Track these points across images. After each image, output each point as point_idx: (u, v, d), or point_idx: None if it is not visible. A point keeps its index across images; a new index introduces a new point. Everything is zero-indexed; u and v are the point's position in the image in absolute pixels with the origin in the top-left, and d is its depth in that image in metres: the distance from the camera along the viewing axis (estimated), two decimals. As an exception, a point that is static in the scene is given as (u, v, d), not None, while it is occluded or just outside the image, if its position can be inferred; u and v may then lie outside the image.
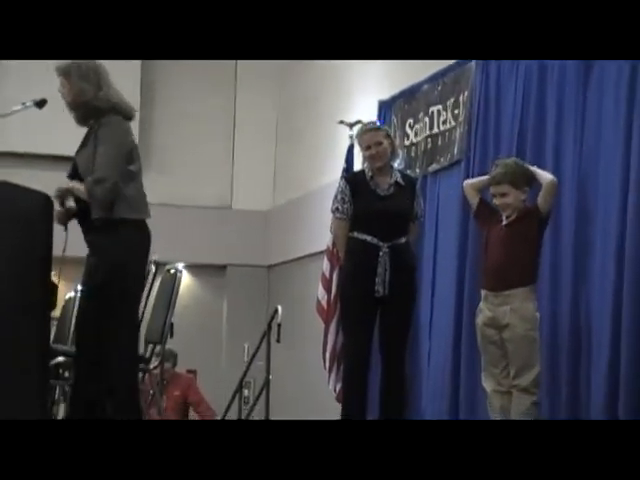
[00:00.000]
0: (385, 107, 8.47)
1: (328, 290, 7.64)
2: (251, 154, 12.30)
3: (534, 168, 5.55)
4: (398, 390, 5.96)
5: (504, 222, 5.40)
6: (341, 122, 8.82)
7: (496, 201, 5.42)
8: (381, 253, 5.87)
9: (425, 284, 7.16)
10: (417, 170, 7.63)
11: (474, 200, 5.64)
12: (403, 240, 5.98)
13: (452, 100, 7.50)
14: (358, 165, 6.97)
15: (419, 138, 7.92)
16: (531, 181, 5.43)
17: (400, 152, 7.23)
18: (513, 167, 5.44)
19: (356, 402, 5.88)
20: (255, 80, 12.01)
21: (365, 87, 9.59)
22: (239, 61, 11.87)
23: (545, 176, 5.45)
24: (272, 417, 8.29)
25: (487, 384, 5.39)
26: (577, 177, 6.09)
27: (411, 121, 8.09)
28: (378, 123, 6.89)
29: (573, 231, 6.04)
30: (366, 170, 6.16)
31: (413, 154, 7.95)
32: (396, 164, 6.48)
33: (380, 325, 5.96)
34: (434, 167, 7.61)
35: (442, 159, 7.52)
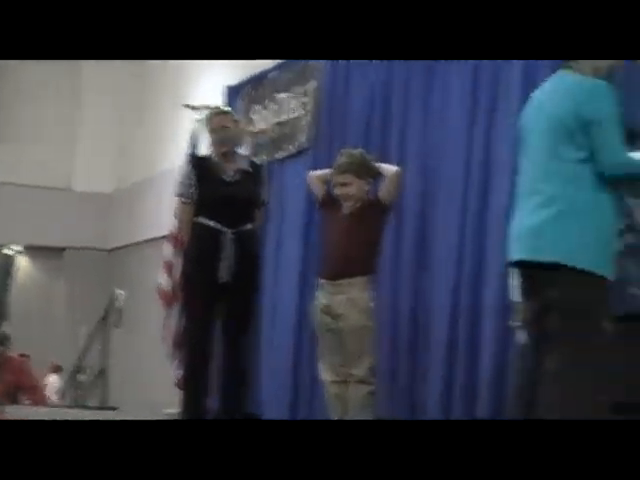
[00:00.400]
0: (232, 92, 8.37)
1: (170, 275, 7.49)
2: (94, 136, 12.01)
3: (379, 163, 5.53)
4: (238, 378, 5.89)
5: (345, 212, 5.34)
6: (186, 106, 8.67)
7: (338, 191, 5.34)
8: (225, 239, 5.79)
9: (269, 272, 7.10)
10: (264, 157, 7.54)
11: (319, 191, 5.57)
12: (248, 227, 5.91)
13: (300, 88, 7.46)
14: (204, 150, 6.85)
15: (266, 125, 7.84)
16: (375, 173, 5.40)
17: (247, 138, 7.15)
18: (358, 157, 5.38)
19: (196, 388, 5.78)
20: (101, 61, 11.70)
21: (212, 72, 9.46)
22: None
23: (390, 168, 5.44)
24: (110, 403, 8.09)
25: (324, 373, 5.33)
26: (420, 170, 6.16)
27: (258, 107, 8.02)
28: (226, 107, 6.78)
29: (415, 223, 6.11)
30: (212, 155, 6.05)
31: (260, 141, 7.87)
32: (243, 150, 6.39)
33: (223, 312, 5.87)
34: (281, 154, 7.56)
35: (289, 147, 7.47)
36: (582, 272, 3.47)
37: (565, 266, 3.49)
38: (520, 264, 3.72)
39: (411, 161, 6.21)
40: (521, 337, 4.35)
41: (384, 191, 5.31)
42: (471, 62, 5.79)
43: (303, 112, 7.40)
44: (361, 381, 5.15)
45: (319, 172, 5.70)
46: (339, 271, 5.21)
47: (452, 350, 5.73)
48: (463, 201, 5.79)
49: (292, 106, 7.55)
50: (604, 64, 3.70)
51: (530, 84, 5.31)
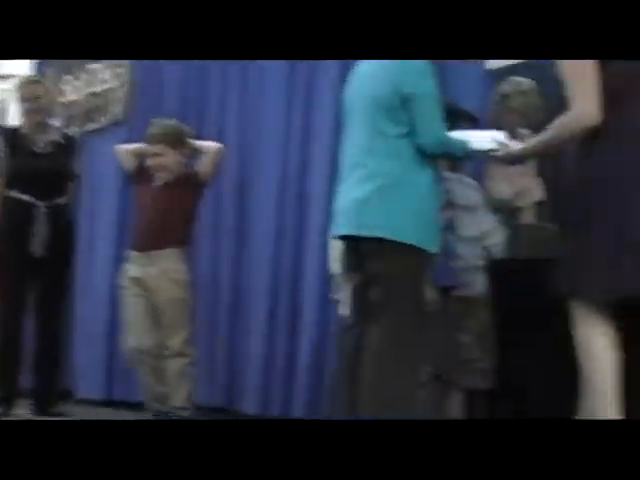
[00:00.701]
0: (43, 62, 8.03)
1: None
2: None
3: (200, 140, 5.43)
4: (52, 353, 5.72)
5: (158, 183, 5.20)
6: (-7, 74, 8.29)
7: (150, 161, 5.19)
8: (39, 213, 5.57)
9: (83, 245, 6.89)
10: (76, 128, 7.27)
11: (129, 164, 5.40)
12: (62, 200, 5.70)
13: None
14: (14, 120, 6.57)
15: (78, 96, 7.61)
16: (190, 145, 5.26)
17: (59, 109, 6.90)
18: (172, 128, 5.24)
19: (8, 363, 5.59)
20: None
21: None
22: None
23: (210, 144, 5.35)
24: None
25: (132, 343, 5.18)
26: (239, 144, 6.13)
27: (69, 77, 7.76)
28: (37, 76, 6.51)
29: (235, 194, 6.08)
30: (23, 126, 5.80)
31: (72, 112, 7.62)
32: (54, 122, 6.16)
33: (37, 287, 5.66)
34: (93, 126, 7.34)
35: (102, 118, 7.27)
36: (405, 246, 3.48)
37: (388, 240, 3.49)
38: (344, 238, 3.71)
39: (230, 135, 6.16)
40: (342, 310, 4.41)
41: (203, 166, 5.22)
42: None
43: (118, 83, 7.19)
44: (178, 354, 5.06)
45: (128, 145, 5.53)
46: (151, 243, 5.09)
47: (272, 321, 5.75)
48: (283, 172, 5.81)
49: (106, 77, 7.33)
50: None
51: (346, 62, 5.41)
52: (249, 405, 5.80)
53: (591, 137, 3.30)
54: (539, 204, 5.02)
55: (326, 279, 5.10)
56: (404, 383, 3.44)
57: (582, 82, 3.26)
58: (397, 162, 3.52)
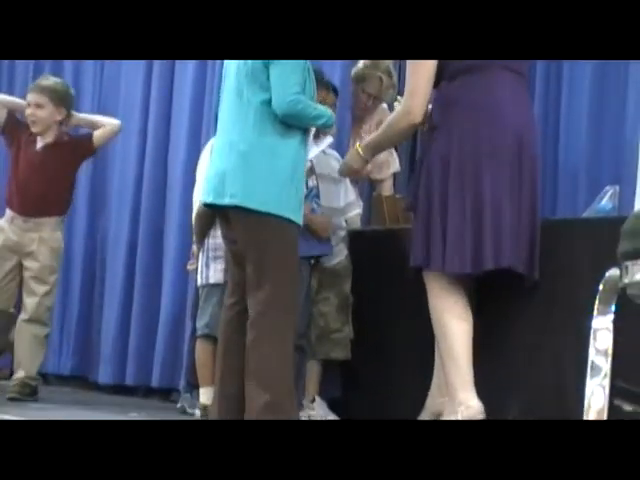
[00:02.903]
0: None
1: None
2: None
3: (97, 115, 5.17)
4: None
5: (40, 145, 4.84)
6: None
7: (29, 110, 4.82)
8: None
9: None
10: None
11: (0, 115, 4.93)
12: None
13: None
14: None
15: None
16: (69, 106, 4.90)
17: None
18: (58, 84, 4.94)
19: None
20: None
21: None
22: None
23: (108, 119, 5.04)
24: None
25: None
26: (97, 100, 5.94)
27: None
28: None
29: (91, 163, 5.71)
30: None
31: None
32: None
33: None
34: None
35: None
36: (267, 215, 3.32)
37: (250, 209, 3.32)
38: (211, 206, 3.53)
39: (86, 98, 5.94)
40: (197, 279, 4.30)
41: (99, 134, 4.89)
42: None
43: None
44: (38, 321, 4.78)
45: (4, 96, 5.18)
46: (35, 209, 4.79)
47: (129, 289, 5.56)
48: (140, 144, 5.60)
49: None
50: None
51: None
52: (104, 375, 5.62)
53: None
54: (396, 176, 4.99)
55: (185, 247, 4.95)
56: (282, 353, 3.33)
57: (412, 80, 3.35)
58: (259, 130, 3.35)
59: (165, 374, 5.30)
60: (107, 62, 5.86)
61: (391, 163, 4.97)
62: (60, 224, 4.90)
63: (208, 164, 3.65)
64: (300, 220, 3.41)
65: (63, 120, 4.87)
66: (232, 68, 3.45)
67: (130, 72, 5.74)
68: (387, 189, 4.93)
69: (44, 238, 4.80)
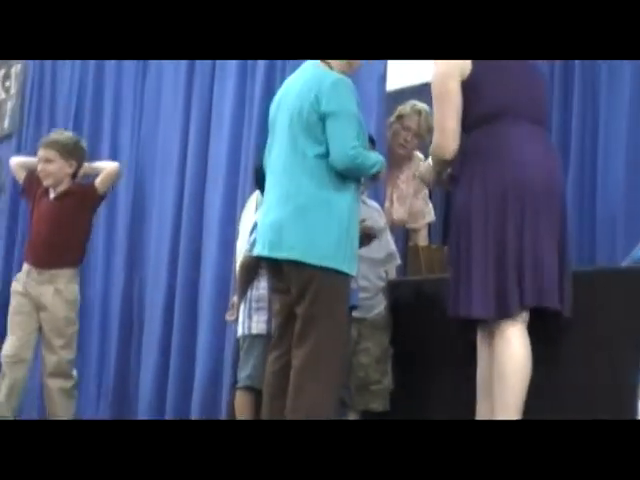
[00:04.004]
0: None
1: None
2: None
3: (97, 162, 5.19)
4: None
5: (52, 196, 4.92)
6: None
7: (39, 166, 4.91)
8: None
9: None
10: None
11: (21, 176, 5.13)
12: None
13: (2, 71, 7.02)
14: None
15: None
16: (80, 158, 4.97)
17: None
18: (67, 138, 5.01)
19: None
20: None
21: None
22: None
23: (107, 162, 5.16)
24: None
25: (8, 349, 4.85)
26: (135, 156, 5.91)
27: None
28: None
29: (129, 214, 5.84)
30: None
31: None
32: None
33: None
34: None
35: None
36: (324, 269, 3.33)
37: (304, 263, 3.34)
38: (264, 259, 3.53)
39: (123, 148, 5.96)
40: (239, 330, 4.24)
41: (100, 179, 4.96)
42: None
43: (5, 96, 6.95)
44: (61, 374, 4.82)
45: (22, 158, 5.31)
46: (48, 260, 4.83)
47: (167, 341, 5.51)
48: (177, 196, 5.58)
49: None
50: (355, 61, 3.57)
51: (243, 68, 5.21)
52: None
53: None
54: (430, 225, 4.99)
55: (223, 299, 4.92)
56: (324, 404, 3.32)
57: (439, 117, 3.38)
58: (315, 183, 3.37)
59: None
60: (146, 106, 5.90)
61: (426, 213, 4.97)
62: (75, 276, 4.92)
63: (258, 216, 3.64)
64: (354, 271, 3.41)
65: (75, 172, 4.92)
66: (284, 119, 3.46)
67: (168, 119, 5.76)
68: (422, 239, 4.92)
69: (59, 290, 4.82)
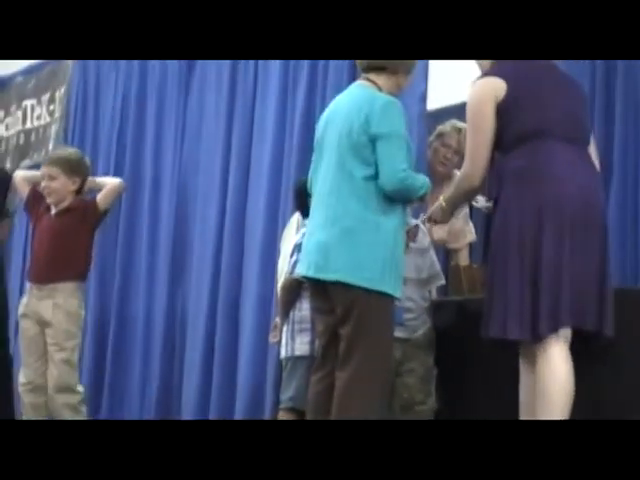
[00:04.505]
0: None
1: None
2: None
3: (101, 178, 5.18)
4: None
5: (53, 212, 4.87)
6: None
7: (43, 182, 4.85)
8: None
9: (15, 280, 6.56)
10: (8, 165, 7.04)
11: (25, 190, 5.02)
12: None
13: (47, 95, 7.05)
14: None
15: (10, 132, 7.39)
16: (84, 174, 4.91)
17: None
18: (71, 154, 4.97)
19: None
20: None
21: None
22: None
23: (111, 179, 5.12)
24: None
25: (22, 378, 4.83)
26: (177, 178, 5.94)
27: (1, 114, 7.55)
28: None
29: (172, 232, 5.87)
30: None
31: (3, 148, 7.40)
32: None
33: None
34: (27, 163, 7.05)
35: (35, 155, 7.01)
36: (370, 291, 3.32)
37: (350, 285, 3.33)
38: (307, 279, 3.54)
39: (166, 165, 5.99)
40: (282, 351, 4.23)
41: (102, 197, 4.90)
42: (227, 70, 5.60)
43: (50, 119, 6.99)
44: (66, 390, 4.74)
45: (26, 172, 5.31)
46: (47, 275, 4.77)
47: (209, 360, 5.50)
48: (220, 210, 5.60)
49: (38, 113, 7.13)
50: (403, 81, 3.58)
51: (283, 89, 5.21)
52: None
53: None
54: (472, 245, 4.95)
55: (264, 318, 4.91)
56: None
57: (471, 147, 3.39)
58: (363, 205, 3.36)
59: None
60: (187, 128, 5.94)
61: (467, 232, 4.95)
62: (76, 290, 4.82)
63: (304, 237, 3.64)
64: (399, 294, 3.39)
65: (79, 189, 4.88)
66: (332, 139, 3.45)
67: (209, 141, 5.79)
68: (464, 259, 4.89)
69: (58, 304, 4.74)
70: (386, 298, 3.37)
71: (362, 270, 3.31)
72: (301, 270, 3.52)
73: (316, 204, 3.50)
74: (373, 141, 3.36)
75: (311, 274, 3.43)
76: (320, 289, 3.45)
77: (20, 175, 5.19)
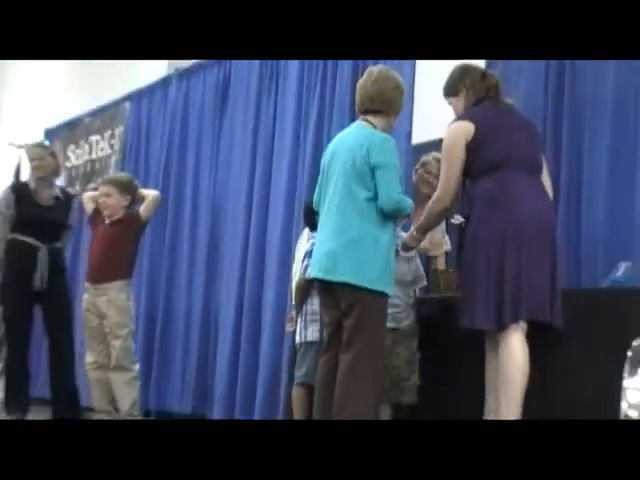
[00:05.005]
0: (51, 134, 7.89)
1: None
2: None
3: (143, 189, 5.19)
4: (62, 363, 5.24)
5: (107, 222, 4.94)
6: (10, 144, 7.94)
7: (100, 199, 4.96)
8: (40, 253, 5.20)
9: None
10: (77, 187, 7.08)
11: (89, 207, 5.12)
12: (58, 244, 5.35)
13: (109, 132, 7.14)
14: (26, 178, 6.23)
15: (79, 161, 7.50)
16: (135, 193, 4.99)
17: (62, 171, 6.62)
18: (123, 177, 5.11)
19: (16, 375, 5.18)
20: None
21: (30, 116, 8.79)
22: None
23: (151, 191, 5.15)
24: None
25: (88, 358, 4.93)
26: (212, 200, 5.95)
27: (73, 147, 7.62)
28: (45, 142, 6.23)
29: (207, 245, 5.89)
30: (30, 182, 5.46)
31: (74, 174, 7.49)
32: (58, 181, 5.85)
33: (43, 316, 5.29)
34: (92, 186, 7.10)
35: (99, 180, 7.00)
36: (369, 290, 3.35)
37: (354, 285, 3.35)
38: (317, 280, 3.53)
39: (203, 187, 6.04)
40: (296, 338, 4.24)
41: (144, 208, 4.98)
42: (253, 103, 5.58)
43: (111, 151, 7.03)
44: (121, 368, 4.81)
45: (91, 192, 5.34)
46: (100, 276, 4.85)
47: (236, 347, 5.49)
48: (245, 226, 5.60)
49: (102, 146, 7.18)
50: (393, 121, 3.62)
51: (299, 110, 5.22)
52: (218, 413, 5.53)
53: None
54: (447, 253, 4.95)
55: (282, 312, 4.90)
56: (365, 393, 3.33)
57: (445, 173, 3.41)
58: (365, 221, 3.38)
59: (265, 412, 5.23)
60: (220, 159, 5.96)
61: (444, 243, 4.95)
62: (125, 287, 4.87)
63: (314, 246, 3.65)
64: (391, 292, 3.42)
65: (129, 204, 4.94)
66: (338, 168, 3.47)
67: (237, 169, 5.79)
68: (441, 264, 4.88)
69: (111, 299, 4.81)
70: (382, 296, 3.38)
71: (364, 273, 3.33)
72: (313, 273, 3.53)
73: (325, 220, 3.51)
74: (373, 170, 3.37)
75: (321, 276, 3.43)
76: (327, 288, 3.45)
77: (87, 195, 5.25)
